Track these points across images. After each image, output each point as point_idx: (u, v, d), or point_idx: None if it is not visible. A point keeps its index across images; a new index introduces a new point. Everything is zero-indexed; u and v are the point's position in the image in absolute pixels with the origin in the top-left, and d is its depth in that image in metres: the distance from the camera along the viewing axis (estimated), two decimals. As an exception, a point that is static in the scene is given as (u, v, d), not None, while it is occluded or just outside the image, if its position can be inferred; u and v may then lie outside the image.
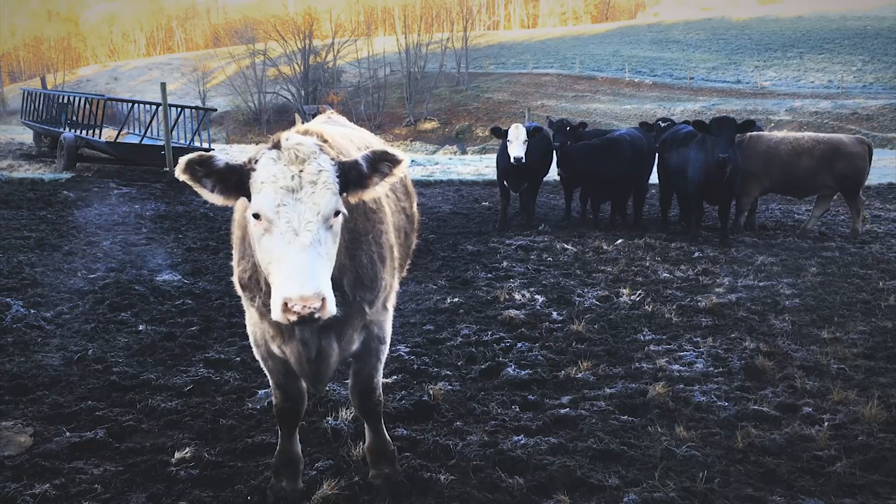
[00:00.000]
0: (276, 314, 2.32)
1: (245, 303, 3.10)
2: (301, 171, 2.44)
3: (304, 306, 2.27)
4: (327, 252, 2.43)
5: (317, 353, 2.87)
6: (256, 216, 2.43)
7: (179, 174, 2.50)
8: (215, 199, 2.57)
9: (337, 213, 2.50)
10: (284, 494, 3.32)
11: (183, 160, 2.50)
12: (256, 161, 2.50)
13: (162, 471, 3.58)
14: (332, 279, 2.51)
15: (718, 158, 8.84)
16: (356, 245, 2.88)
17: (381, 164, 2.65)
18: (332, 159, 2.55)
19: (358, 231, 2.89)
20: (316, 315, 2.30)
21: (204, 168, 2.52)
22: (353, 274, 2.87)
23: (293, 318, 2.29)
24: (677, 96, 55.56)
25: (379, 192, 2.68)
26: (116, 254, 8.45)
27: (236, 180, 2.53)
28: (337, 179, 2.51)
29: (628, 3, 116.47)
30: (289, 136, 2.56)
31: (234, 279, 3.03)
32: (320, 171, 2.46)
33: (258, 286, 2.83)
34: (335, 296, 2.49)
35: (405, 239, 3.71)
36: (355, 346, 3.09)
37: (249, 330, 3.20)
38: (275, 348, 3.03)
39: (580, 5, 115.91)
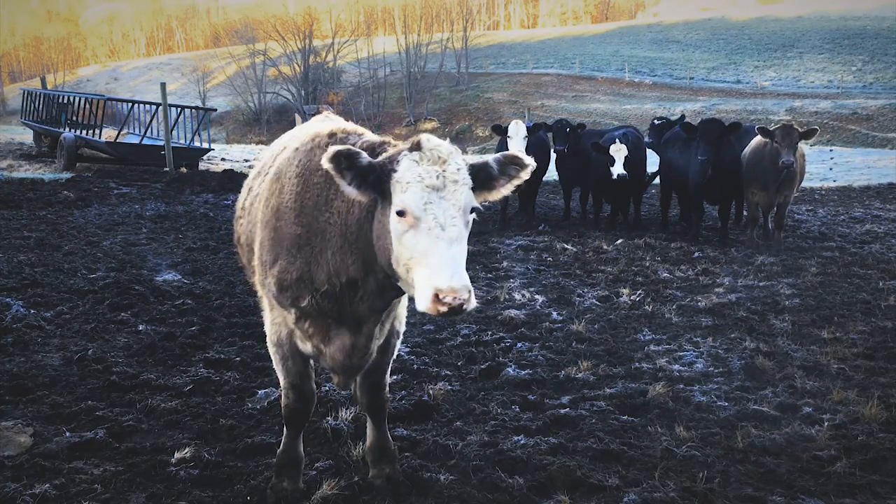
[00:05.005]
0: (425, 305, 2.40)
1: (271, 303, 3.08)
2: (444, 170, 2.55)
3: (455, 297, 2.35)
4: (465, 246, 2.56)
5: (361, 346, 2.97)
6: (401, 213, 2.51)
7: (325, 162, 2.57)
8: (351, 191, 2.62)
9: (473, 210, 2.60)
10: (285, 494, 3.32)
11: (333, 149, 2.57)
12: (397, 162, 2.58)
13: (162, 471, 3.58)
14: None
15: (699, 160, 8.96)
16: None
17: (509, 166, 2.74)
18: (463, 159, 2.67)
19: None
20: (464, 307, 2.36)
21: (348, 161, 2.59)
22: None
23: (443, 308, 2.35)
24: (677, 96, 55.56)
25: (504, 193, 2.78)
26: (116, 254, 8.45)
27: (374, 179, 2.60)
28: (469, 178, 2.63)
29: (628, 3, 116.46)
30: (428, 138, 2.67)
31: (267, 280, 3.00)
32: (458, 169, 2.59)
33: (310, 286, 2.85)
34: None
35: None
36: (382, 339, 3.14)
37: (271, 329, 3.18)
38: (307, 347, 3.04)
39: (580, 5, 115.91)
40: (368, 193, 2.62)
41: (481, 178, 2.69)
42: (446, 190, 2.52)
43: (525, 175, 2.76)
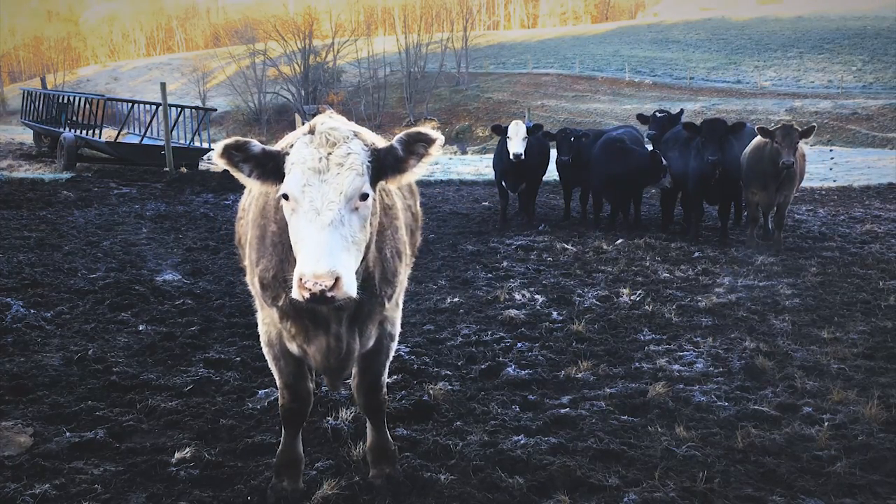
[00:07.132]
0: (294, 291, 2.33)
1: (260, 302, 3.09)
2: (330, 153, 2.47)
3: (316, 283, 2.26)
4: (352, 234, 2.43)
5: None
6: (286, 197, 2.45)
7: (217, 158, 2.52)
8: (254, 184, 2.58)
9: (365, 197, 2.49)
10: (285, 494, 3.32)
11: (220, 144, 2.51)
12: (292, 146, 2.53)
13: (162, 471, 3.58)
14: (365, 272, 2.56)
15: (708, 160, 8.92)
16: (381, 239, 2.89)
17: (415, 145, 2.62)
18: (366, 144, 2.56)
19: (382, 225, 2.91)
20: (328, 294, 2.28)
21: (241, 153, 2.54)
22: (380, 268, 2.89)
23: (306, 294, 2.29)
24: (677, 96, 55.52)
25: (417, 173, 2.65)
26: (116, 254, 8.45)
27: (273, 165, 2.54)
28: (368, 164, 2.53)
29: (628, 3, 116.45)
30: (324, 122, 2.58)
31: (254, 279, 3.00)
32: (349, 154, 2.48)
33: (283, 284, 2.81)
34: (369, 289, 2.58)
35: (410, 237, 3.73)
36: (371, 342, 3.12)
37: (262, 329, 3.20)
38: (294, 347, 3.02)
39: (580, 5, 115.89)
40: (271, 183, 2.56)
41: (389, 161, 2.60)
42: (329, 173, 2.43)
43: (435, 151, 2.61)
